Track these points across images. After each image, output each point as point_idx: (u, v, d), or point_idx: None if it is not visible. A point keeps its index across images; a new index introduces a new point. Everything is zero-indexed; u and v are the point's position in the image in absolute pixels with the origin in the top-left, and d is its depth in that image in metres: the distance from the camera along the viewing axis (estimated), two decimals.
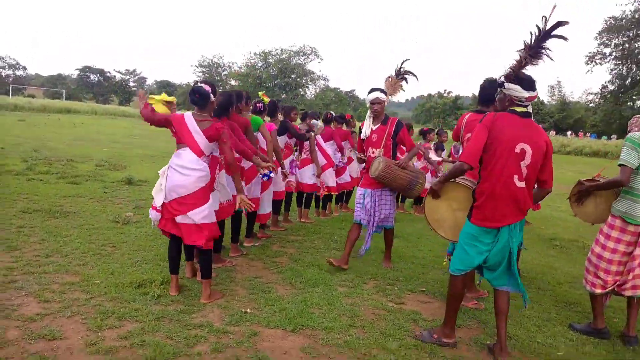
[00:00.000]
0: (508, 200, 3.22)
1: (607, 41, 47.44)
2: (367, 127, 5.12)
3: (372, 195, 5.03)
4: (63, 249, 4.92)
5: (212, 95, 3.97)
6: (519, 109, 3.26)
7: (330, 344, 3.40)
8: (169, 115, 4.05)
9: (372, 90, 5.07)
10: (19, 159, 10.79)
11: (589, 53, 48.36)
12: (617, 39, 46.94)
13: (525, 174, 3.21)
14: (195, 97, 3.92)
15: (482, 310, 4.25)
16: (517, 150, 3.18)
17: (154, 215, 4.04)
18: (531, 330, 3.93)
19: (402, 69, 5.16)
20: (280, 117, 6.61)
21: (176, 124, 3.90)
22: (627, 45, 46.48)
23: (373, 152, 5.08)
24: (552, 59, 3.16)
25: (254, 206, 4.25)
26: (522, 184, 3.21)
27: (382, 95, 5.01)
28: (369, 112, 5.15)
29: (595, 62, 48.28)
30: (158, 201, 3.95)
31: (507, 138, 3.18)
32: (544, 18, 3.07)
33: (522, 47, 3.17)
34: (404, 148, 5.87)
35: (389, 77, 5.20)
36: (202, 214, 3.88)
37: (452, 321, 3.51)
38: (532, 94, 3.21)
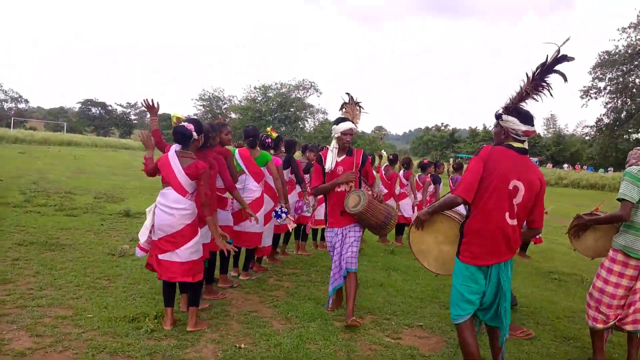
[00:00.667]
0: (499, 237, 3.12)
1: (601, 75, 48.22)
2: (332, 159, 4.59)
3: (342, 233, 4.59)
4: (57, 282, 4.88)
5: (194, 134, 4.01)
6: (515, 144, 3.18)
7: None
8: (156, 161, 4.08)
9: (342, 120, 4.63)
10: (18, 191, 10.80)
11: (584, 87, 49.12)
12: (611, 74, 47.73)
13: (516, 212, 3.14)
14: (178, 136, 3.99)
15: (480, 346, 4.18)
16: (510, 187, 3.10)
17: (139, 253, 4.11)
18: None
19: (354, 99, 5.01)
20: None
21: (160, 166, 3.98)
22: (621, 79, 47.22)
23: (339, 187, 4.60)
24: (552, 96, 3.14)
25: (235, 250, 4.26)
26: (513, 222, 3.13)
27: (353, 126, 4.64)
28: (333, 143, 4.63)
29: (590, 96, 48.96)
30: (142, 239, 4.02)
31: (501, 173, 3.09)
32: (555, 51, 3.03)
33: (524, 78, 3.14)
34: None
35: (345, 105, 5.00)
36: (189, 251, 3.94)
37: None
38: (529, 128, 3.14)
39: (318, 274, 6.20)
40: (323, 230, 7.77)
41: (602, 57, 47.26)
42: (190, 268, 3.95)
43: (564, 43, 3.05)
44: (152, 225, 3.99)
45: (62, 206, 9.38)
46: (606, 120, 49.45)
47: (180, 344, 3.70)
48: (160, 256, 3.94)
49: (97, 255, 6.06)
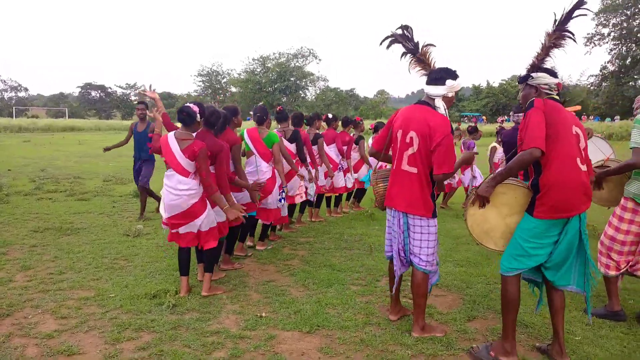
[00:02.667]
0: (576, 185, 2.96)
1: (604, 21, 47.21)
2: None
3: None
4: (76, 265, 4.97)
5: (198, 115, 4.10)
6: (554, 97, 3.14)
7: (347, 342, 3.41)
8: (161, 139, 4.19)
9: (455, 73, 3.51)
10: (27, 179, 10.89)
11: (587, 34, 48.19)
12: (615, 19, 46.70)
13: (584, 157, 3.06)
14: (183, 115, 4.06)
15: (497, 300, 4.25)
16: (574, 132, 3.04)
17: (165, 227, 4.37)
18: (547, 318, 3.90)
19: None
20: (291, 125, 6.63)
21: (162, 148, 4.08)
22: (625, 25, 46.22)
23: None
24: (575, 41, 3.20)
25: (245, 213, 4.39)
26: (584, 167, 3.03)
27: None
28: (439, 102, 3.44)
29: (594, 43, 48.07)
30: (164, 215, 4.25)
31: (563, 120, 3.03)
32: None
33: (544, 34, 3.18)
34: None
35: (413, 50, 3.68)
36: (201, 223, 4.11)
37: (511, 335, 3.14)
38: (559, 80, 3.16)
39: (331, 241, 6.26)
40: (337, 197, 7.91)
41: (605, 2, 46.17)
42: (205, 235, 4.15)
43: None
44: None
45: (72, 191, 9.47)
46: (611, 68, 48.64)
47: (202, 317, 3.77)
48: (175, 230, 4.15)
49: (113, 237, 6.14)
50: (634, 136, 3.67)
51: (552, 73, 3.17)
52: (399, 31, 3.68)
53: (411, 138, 3.34)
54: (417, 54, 3.64)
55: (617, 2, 45.17)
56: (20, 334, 3.42)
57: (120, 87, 77.58)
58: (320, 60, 61.22)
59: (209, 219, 4.14)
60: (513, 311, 3.13)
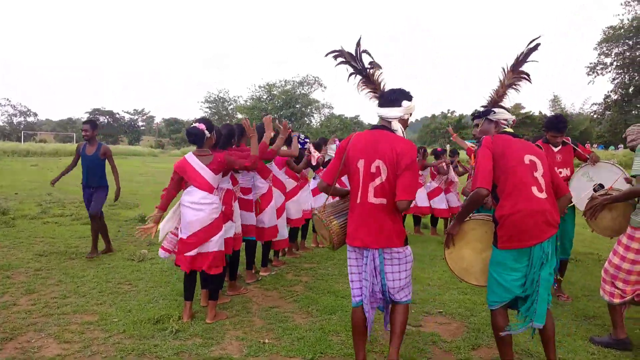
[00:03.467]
0: (532, 213, 3.03)
1: (607, 51, 47.61)
2: None
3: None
4: (80, 290, 4.98)
5: (206, 132, 4.18)
6: (508, 131, 3.30)
7: None
8: (174, 173, 4.26)
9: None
10: (34, 203, 10.97)
11: (590, 64, 48.50)
12: (617, 48, 47.10)
13: (543, 184, 3.11)
14: (192, 137, 4.18)
15: None
16: (527, 161, 3.11)
17: (162, 254, 4.32)
18: None
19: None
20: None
21: (180, 171, 4.16)
22: (627, 54, 46.59)
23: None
24: (530, 82, 3.31)
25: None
26: (543, 195, 3.08)
27: None
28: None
29: (596, 72, 48.40)
30: (162, 235, 4.26)
31: (512, 152, 3.13)
32: (529, 44, 3.31)
33: (502, 72, 3.35)
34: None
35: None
36: (217, 243, 4.17)
37: None
38: (513, 117, 3.33)
39: (335, 267, 6.25)
40: None
41: (607, 33, 46.65)
42: (214, 258, 4.16)
43: (537, 39, 3.37)
44: (176, 225, 4.24)
45: (78, 215, 9.53)
46: (614, 97, 48.83)
47: (205, 343, 3.77)
48: (189, 253, 4.11)
49: (117, 261, 6.16)
50: (635, 164, 3.71)
51: (506, 109, 3.33)
52: (348, 50, 3.44)
53: (377, 167, 3.04)
54: (365, 74, 3.41)
55: (619, 32, 45.66)
56: (23, 358, 3.43)
57: (127, 112, 78.64)
58: (325, 87, 61.95)
59: (221, 241, 4.23)
60: (503, 347, 3.20)
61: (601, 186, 4.77)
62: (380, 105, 3.23)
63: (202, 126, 4.16)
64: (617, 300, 3.87)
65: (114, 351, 3.57)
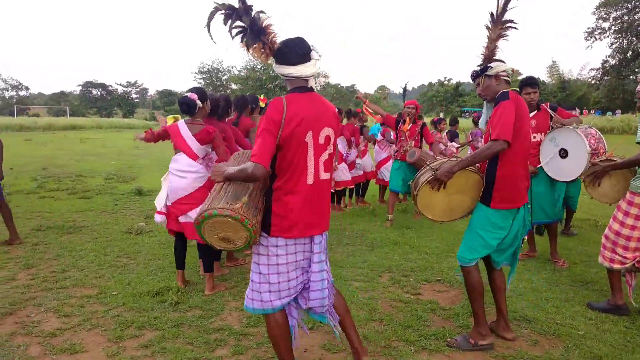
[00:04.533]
0: (524, 180, 3.25)
1: (605, 15, 47.06)
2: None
3: None
4: (79, 263, 4.97)
5: (199, 102, 4.18)
6: (515, 89, 3.27)
7: None
8: (164, 127, 4.39)
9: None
10: (29, 178, 10.90)
11: (588, 28, 48.09)
12: (615, 12, 46.54)
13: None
14: (184, 107, 4.18)
15: None
16: (531, 127, 3.30)
17: (158, 218, 4.30)
18: (550, 312, 3.91)
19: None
20: None
21: (172, 134, 4.21)
22: (626, 18, 46.08)
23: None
24: (517, 29, 3.21)
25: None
26: (527, 164, 3.31)
27: None
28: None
29: (594, 37, 47.95)
30: (159, 204, 4.27)
31: (526, 118, 3.16)
32: None
33: (486, 28, 3.23)
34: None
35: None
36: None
37: (483, 319, 3.33)
38: (510, 66, 3.29)
39: (333, 237, 6.25)
40: (339, 193, 8.09)
41: None
42: None
43: None
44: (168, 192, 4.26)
45: (74, 189, 9.48)
46: (612, 62, 48.52)
47: (205, 314, 3.78)
48: (181, 219, 4.18)
49: (115, 235, 6.15)
50: None
51: (503, 61, 3.28)
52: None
53: (327, 137, 2.61)
54: (256, 28, 2.53)
55: None
56: (23, 333, 3.43)
57: (121, 85, 77.67)
58: (320, 56, 60.66)
59: None
60: (480, 297, 3.32)
61: (565, 151, 4.71)
62: (291, 62, 2.58)
63: (194, 96, 4.15)
64: (617, 266, 3.88)
65: (113, 324, 3.57)
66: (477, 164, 3.27)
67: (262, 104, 6.06)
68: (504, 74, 3.24)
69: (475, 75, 3.34)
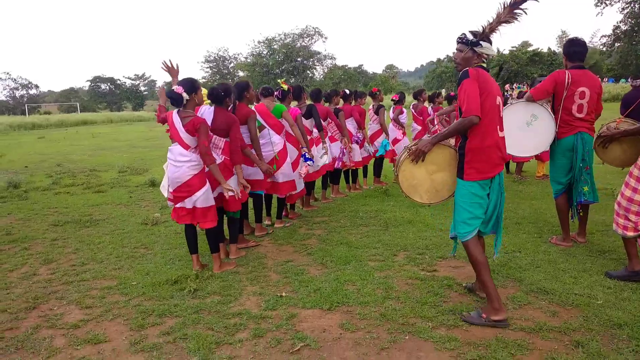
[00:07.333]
0: (496, 150, 3.29)
1: None
2: None
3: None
4: (97, 256, 5.05)
5: (184, 95, 4.24)
6: (483, 66, 3.33)
7: (367, 317, 3.43)
8: (166, 113, 4.55)
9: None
10: (44, 174, 11.04)
11: None
12: None
13: (501, 124, 3.38)
14: (172, 101, 4.29)
15: (516, 268, 4.24)
16: (497, 102, 3.29)
17: (170, 203, 4.54)
18: (567, 283, 3.90)
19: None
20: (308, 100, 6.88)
21: (169, 122, 4.34)
22: None
23: None
24: (519, 21, 3.23)
25: (238, 195, 4.53)
26: (502, 134, 3.36)
27: None
28: None
29: (605, 3, 46.76)
30: (164, 191, 4.49)
31: (491, 90, 3.24)
32: None
33: (500, 6, 3.20)
34: None
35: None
36: (197, 199, 4.29)
37: (493, 292, 3.28)
38: (494, 52, 3.37)
39: (347, 218, 6.27)
40: (353, 172, 8.20)
41: None
42: (203, 214, 4.33)
43: None
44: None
45: (89, 184, 9.59)
46: (624, 27, 47.35)
47: (223, 300, 3.83)
48: (177, 205, 4.36)
49: (131, 226, 6.22)
50: None
51: (492, 43, 3.34)
52: None
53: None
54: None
55: None
56: (47, 326, 3.51)
57: (129, 78, 78.03)
58: (326, 38, 60.86)
59: (206, 196, 4.33)
60: (484, 269, 3.31)
61: (534, 117, 4.59)
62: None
63: (180, 89, 4.21)
64: (630, 234, 3.85)
65: (135, 313, 3.64)
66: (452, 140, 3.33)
67: (284, 87, 6.06)
68: (486, 57, 3.31)
69: (462, 42, 3.31)
